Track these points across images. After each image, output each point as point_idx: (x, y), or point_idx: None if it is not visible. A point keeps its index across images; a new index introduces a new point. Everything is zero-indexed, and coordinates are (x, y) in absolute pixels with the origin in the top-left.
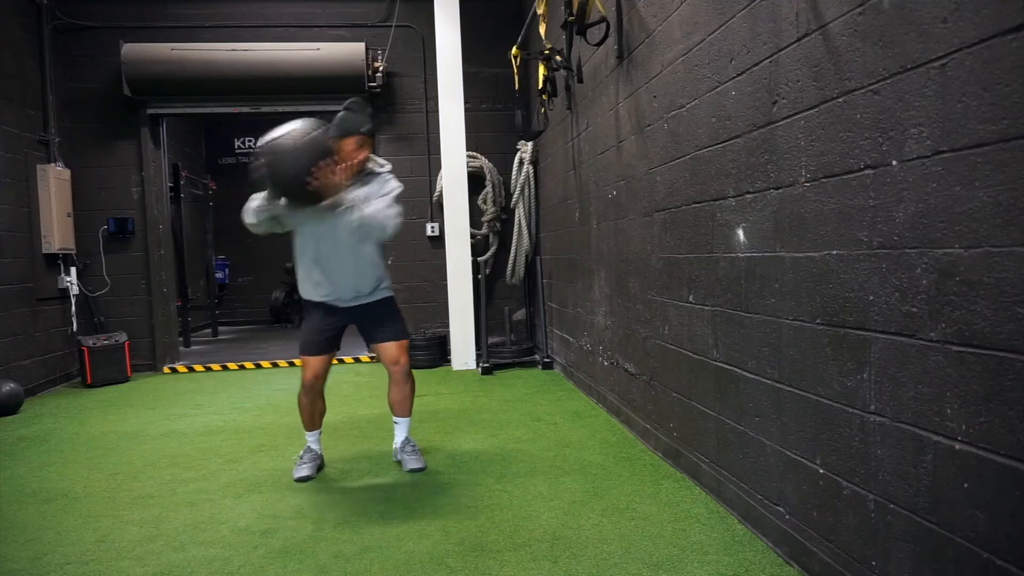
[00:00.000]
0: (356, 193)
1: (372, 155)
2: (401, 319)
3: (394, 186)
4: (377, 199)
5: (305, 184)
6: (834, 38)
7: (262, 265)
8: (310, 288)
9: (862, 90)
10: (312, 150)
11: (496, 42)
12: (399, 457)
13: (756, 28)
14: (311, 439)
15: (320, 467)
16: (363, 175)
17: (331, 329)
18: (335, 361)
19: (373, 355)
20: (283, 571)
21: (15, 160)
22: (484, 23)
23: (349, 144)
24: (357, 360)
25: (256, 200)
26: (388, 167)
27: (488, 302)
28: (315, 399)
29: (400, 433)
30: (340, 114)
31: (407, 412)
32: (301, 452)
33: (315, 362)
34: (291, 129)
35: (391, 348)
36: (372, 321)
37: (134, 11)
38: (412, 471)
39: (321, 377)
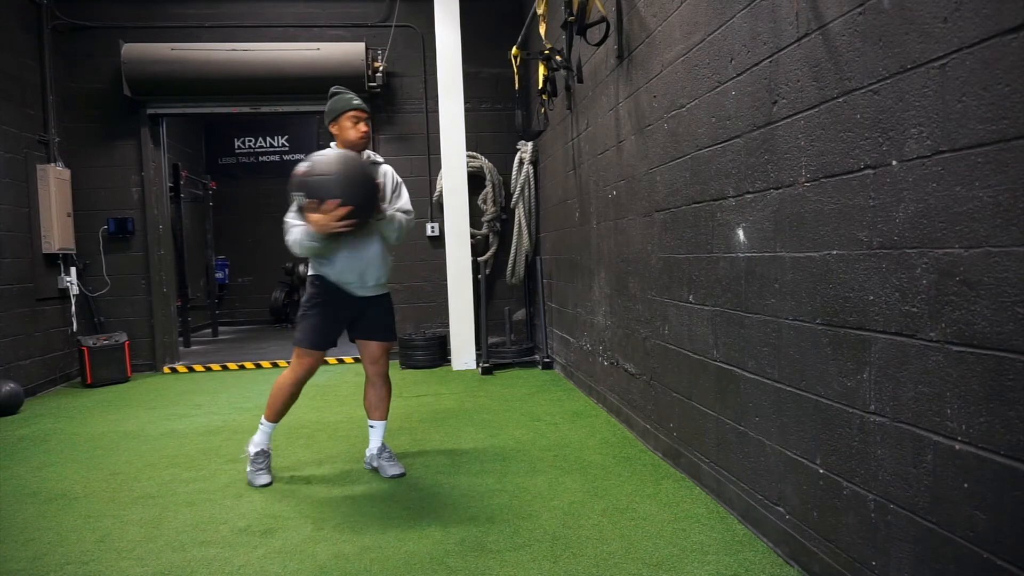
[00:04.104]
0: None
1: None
2: (393, 319)
3: (404, 189)
4: (396, 200)
5: (373, 217)
6: (834, 38)
7: (262, 265)
8: (335, 270)
9: (862, 90)
10: (369, 181)
11: (496, 42)
12: (374, 464)
13: (756, 28)
14: (266, 431)
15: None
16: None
17: (339, 323)
18: (334, 361)
19: None
20: (283, 571)
21: (15, 160)
22: (484, 23)
23: (346, 121)
24: (358, 360)
25: (298, 231)
26: (381, 159)
27: (488, 302)
28: (297, 392)
29: (376, 439)
30: (332, 99)
31: (383, 415)
32: (252, 455)
33: (317, 357)
34: (335, 165)
35: (375, 347)
36: (371, 315)
37: (134, 11)
38: (393, 477)
39: (314, 373)
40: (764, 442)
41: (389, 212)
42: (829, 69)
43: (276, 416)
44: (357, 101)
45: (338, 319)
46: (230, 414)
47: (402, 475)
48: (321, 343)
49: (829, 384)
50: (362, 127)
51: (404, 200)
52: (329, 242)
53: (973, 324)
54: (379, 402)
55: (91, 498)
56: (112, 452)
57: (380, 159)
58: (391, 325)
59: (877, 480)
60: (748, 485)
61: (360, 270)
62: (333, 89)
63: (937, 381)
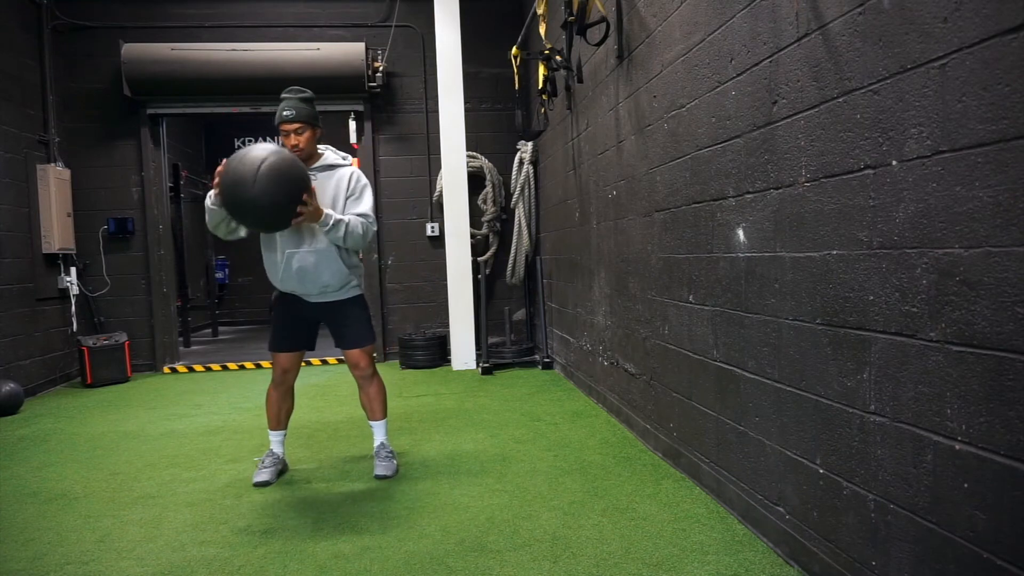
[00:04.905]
0: (328, 210)
1: (330, 147)
2: (366, 321)
3: (367, 192)
4: (353, 204)
5: (286, 222)
6: (834, 38)
7: (262, 265)
8: (276, 280)
9: (862, 90)
10: (293, 186)
11: (496, 42)
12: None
13: (756, 28)
14: (274, 440)
15: (282, 471)
16: (317, 167)
17: (299, 324)
18: (333, 361)
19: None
20: (283, 571)
21: (15, 160)
22: (484, 23)
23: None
24: None
25: (211, 201)
26: (350, 159)
27: (488, 302)
28: (284, 395)
29: (376, 437)
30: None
31: (378, 415)
32: (263, 456)
33: (283, 358)
34: (261, 160)
35: (352, 353)
36: (338, 321)
37: (134, 11)
38: (378, 477)
39: (291, 372)
40: (764, 442)
41: (333, 216)
42: (829, 69)
43: (272, 421)
44: (287, 112)
45: (297, 322)
46: (230, 414)
47: (387, 477)
48: (278, 345)
49: (829, 384)
50: (291, 140)
51: (364, 205)
52: (223, 211)
53: (973, 324)
54: (369, 403)
55: (91, 498)
56: (112, 452)
57: (344, 161)
58: (360, 328)
59: (877, 480)
60: (748, 485)
61: (298, 278)
62: (282, 95)
63: (937, 381)
